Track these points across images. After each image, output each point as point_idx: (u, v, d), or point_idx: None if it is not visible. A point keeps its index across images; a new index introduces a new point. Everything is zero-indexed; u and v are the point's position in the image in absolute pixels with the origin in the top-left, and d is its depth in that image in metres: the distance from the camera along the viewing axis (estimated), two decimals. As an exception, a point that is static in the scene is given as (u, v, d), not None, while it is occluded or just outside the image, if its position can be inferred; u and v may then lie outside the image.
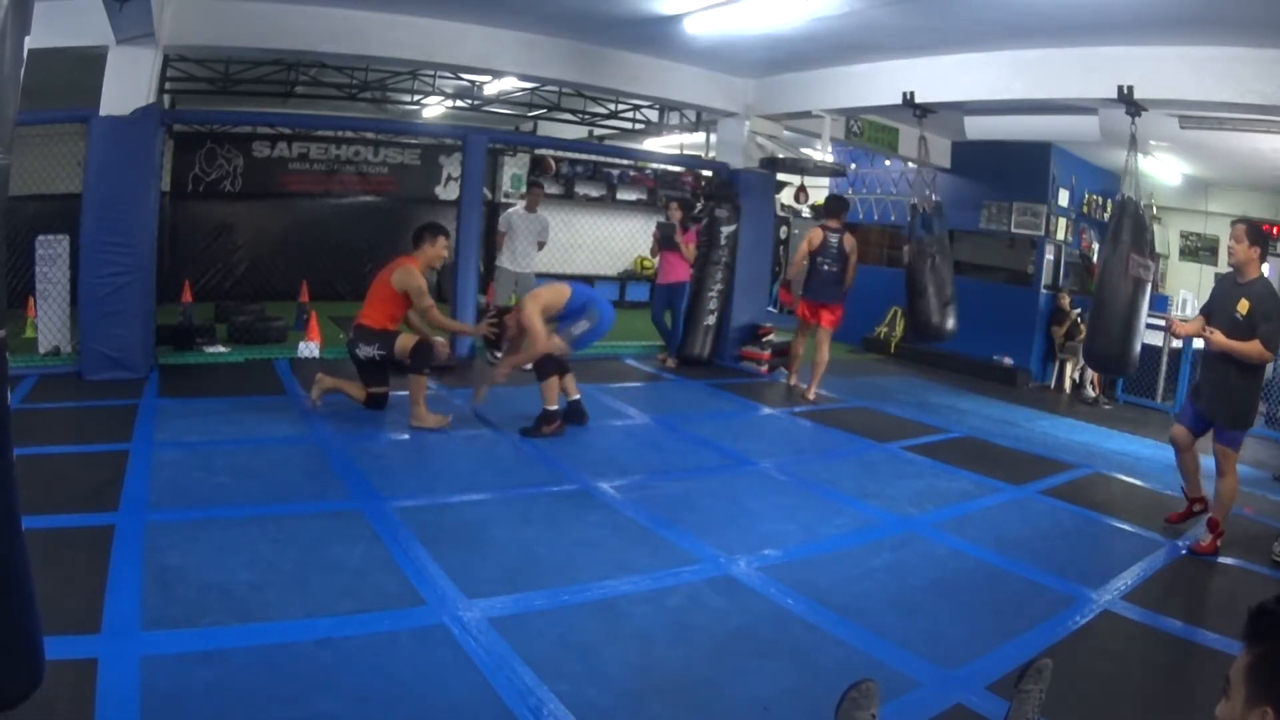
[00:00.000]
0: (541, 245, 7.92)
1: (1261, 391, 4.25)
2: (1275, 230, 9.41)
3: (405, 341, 4.95)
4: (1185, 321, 4.41)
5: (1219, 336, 3.89)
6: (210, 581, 2.83)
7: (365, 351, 5.01)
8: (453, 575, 3.02)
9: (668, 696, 2.41)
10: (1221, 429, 4.01)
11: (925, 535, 3.94)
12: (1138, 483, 5.27)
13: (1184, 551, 3.98)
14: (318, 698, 2.24)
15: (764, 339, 8.15)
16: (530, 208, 7.82)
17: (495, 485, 4.10)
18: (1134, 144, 5.36)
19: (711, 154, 9.90)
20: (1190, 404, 4.24)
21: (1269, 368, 8.15)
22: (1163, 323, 5.34)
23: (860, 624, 2.93)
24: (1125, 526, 4.34)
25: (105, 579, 2.76)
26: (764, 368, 7.93)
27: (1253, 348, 3.80)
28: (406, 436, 4.87)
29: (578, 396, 5.34)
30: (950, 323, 6.69)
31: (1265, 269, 4.08)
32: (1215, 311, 4.05)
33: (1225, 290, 4.05)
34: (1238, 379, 3.92)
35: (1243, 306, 3.86)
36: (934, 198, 6.87)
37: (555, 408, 5.11)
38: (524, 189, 11.59)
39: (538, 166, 11.90)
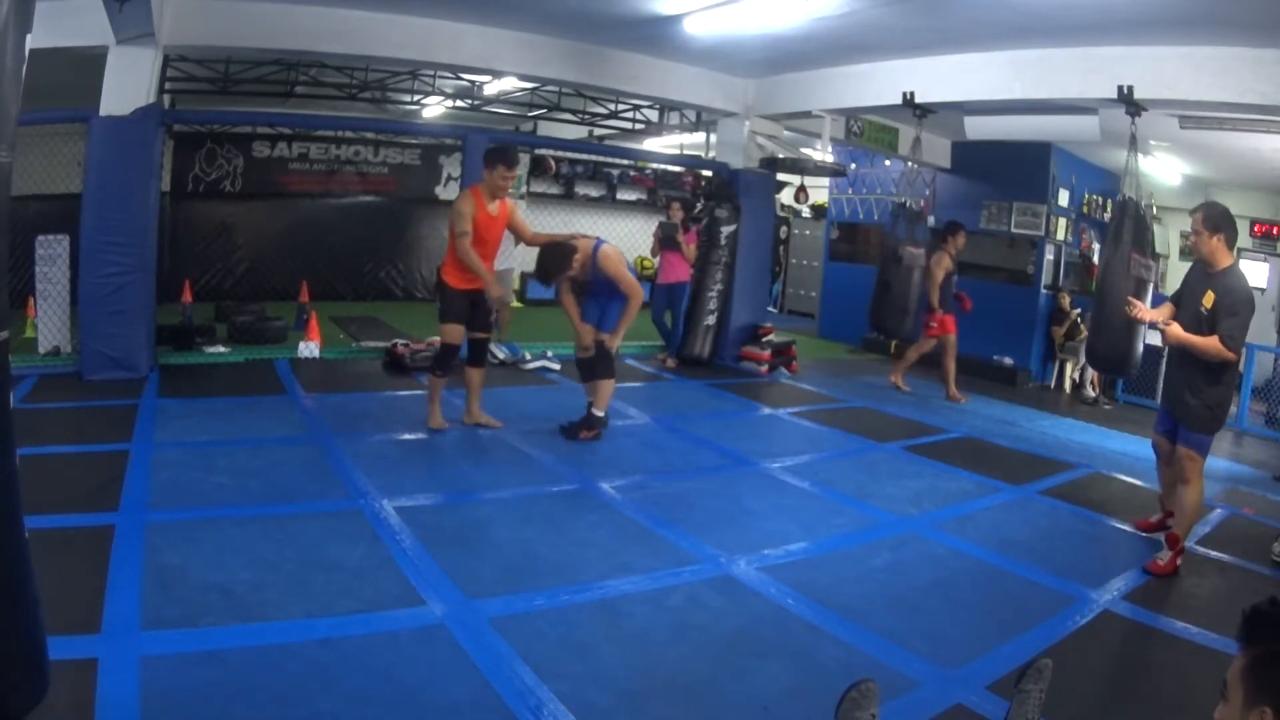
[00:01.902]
0: (517, 241, 7.90)
1: (1232, 394, 3.83)
2: (1276, 230, 9.44)
3: (444, 331, 4.84)
4: (1150, 310, 4.03)
5: (1175, 329, 3.58)
6: (210, 581, 2.83)
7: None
8: (453, 575, 3.02)
9: (668, 696, 2.41)
10: (1185, 429, 3.70)
11: (925, 535, 3.94)
12: (1138, 483, 5.26)
13: (1141, 571, 3.66)
14: (318, 698, 2.24)
15: (764, 339, 8.15)
16: None
17: (495, 485, 4.10)
18: (1134, 144, 5.36)
19: (711, 154, 9.91)
20: (1161, 408, 4.02)
21: (1269, 368, 8.18)
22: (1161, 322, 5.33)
23: (860, 624, 2.93)
24: (1125, 527, 4.33)
25: (105, 579, 2.76)
26: (764, 368, 7.93)
27: (1210, 344, 3.47)
28: (406, 436, 4.86)
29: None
30: (906, 327, 7.12)
31: (1266, 268, 4.01)
32: (1184, 301, 3.74)
33: (1194, 281, 3.72)
34: (1201, 377, 3.59)
35: (1208, 299, 3.53)
36: (919, 203, 6.90)
37: (604, 414, 5.06)
38: (524, 189, 11.67)
39: (538, 166, 11.92)
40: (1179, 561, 3.68)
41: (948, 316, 7.32)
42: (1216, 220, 3.57)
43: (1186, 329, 3.59)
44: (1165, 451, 3.95)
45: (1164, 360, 4.15)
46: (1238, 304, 3.49)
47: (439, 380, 4.92)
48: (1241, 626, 1.22)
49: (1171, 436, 3.85)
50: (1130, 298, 4.12)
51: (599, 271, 4.93)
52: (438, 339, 7.20)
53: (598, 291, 5.06)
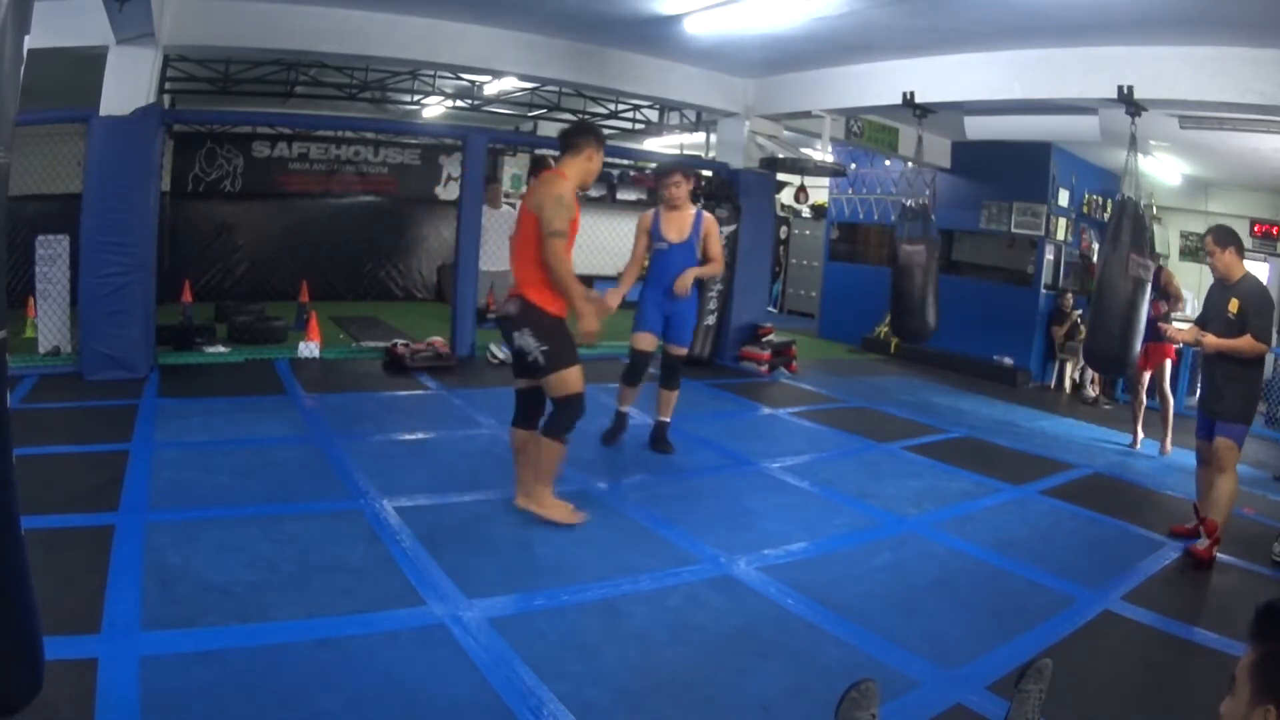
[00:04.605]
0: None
1: (1262, 386, 4.23)
2: (1275, 230, 9.44)
3: (569, 379, 3.48)
4: (1181, 329, 4.51)
5: (1210, 338, 3.97)
6: (210, 581, 2.83)
7: (521, 341, 3.48)
8: (453, 575, 3.02)
9: (668, 696, 2.41)
10: (1222, 422, 3.98)
11: (925, 535, 3.94)
12: (1138, 483, 5.27)
13: (1182, 554, 3.95)
14: (318, 698, 2.24)
15: (764, 339, 8.15)
16: (493, 205, 7.86)
17: (495, 485, 4.09)
18: (1134, 144, 5.36)
19: (711, 154, 9.90)
20: (1199, 414, 4.22)
21: (1269, 368, 8.21)
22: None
23: (860, 624, 2.93)
24: (1125, 526, 4.34)
25: (105, 579, 2.76)
26: (764, 368, 7.93)
27: (1244, 343, 3.87)
28: (406, 436, 4.86)
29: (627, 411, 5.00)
30: (932, 322, 6.81)
31: (1266, 269, 4.12)
32: (1210, 319, 4.10)
33: (1216, 297, 4.11)
34: (1233, 372, 3.95)
35: (1233, 306, 3.94)
36: (923, 201, 6.88)
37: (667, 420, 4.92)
38: (523, 189, 11.67)
39: (538, 166, 11.91)
40: (1215, 550, 3.85)
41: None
42: (1224, 236, 4.03)
43: (1218, 337, 3.94)
44: (1208, 456, 4.10)
45: (1199, 372, 4.33)
46: (1261, 304, 3.90)
47: (559, 447, 3.52)
48: (1252, 623, 1.21)
49: (1210, 437, 4.04)
50: (1163, 325, 4.56)
51: (697, 233, 4.66)
52: (438, 339, 7.21)
53: (670, 277, 4.60)
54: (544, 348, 3.44)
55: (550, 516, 3.57)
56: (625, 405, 4.95)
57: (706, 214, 4.79)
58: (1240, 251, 4.03)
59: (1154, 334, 5.56)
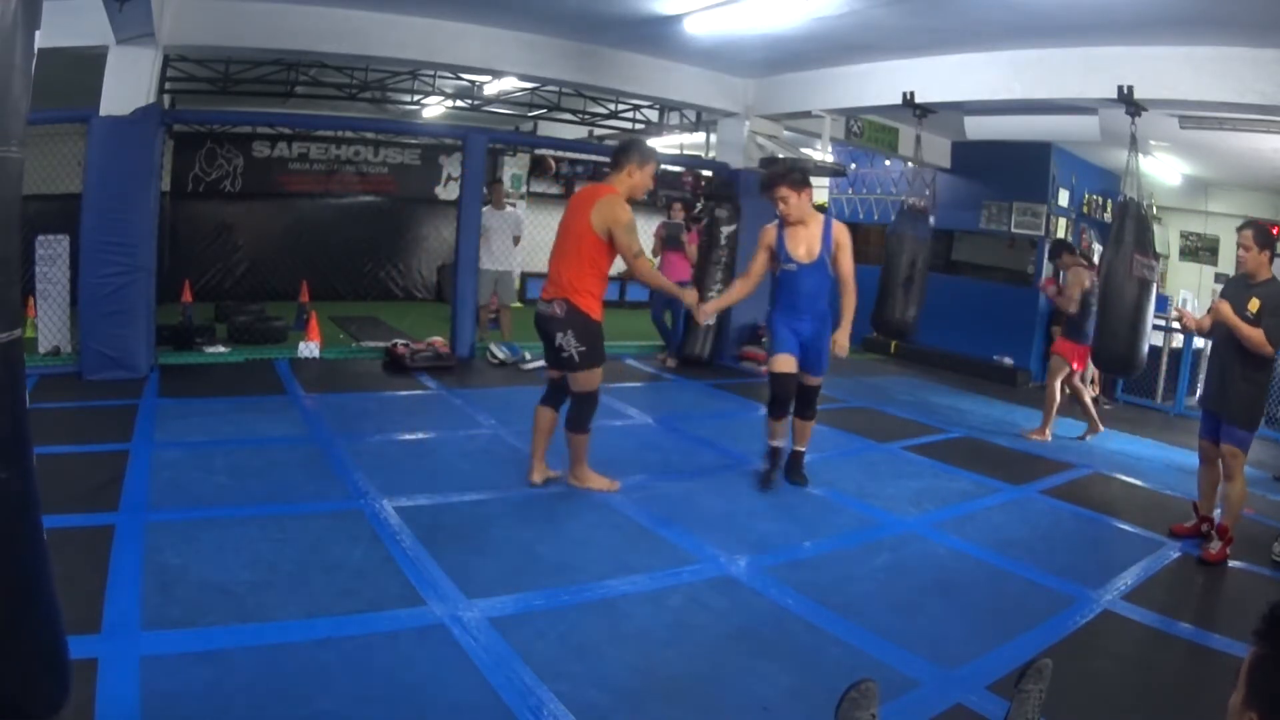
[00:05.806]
0: (517, 240, 8.06)
1: (1267, 391, 4.18)
2: (1276, 230, 9.44)
3: (593, 378, 3.97)
4: (1194, 315, 4.40)
5: (1225, 306, 3.88)
6: (210, 581, 2.83)
7: (562, 340, 3.88)
8: (453, 575, 3.02)
9: (668, 696, 2.41)
10: (1229, 427, 3.96)
11: (925, 535, 3.94)
12: (1137, 483, 5.26)
13: (1195, 557, 3.93)
14: (318, 698, 2.24)
15: (764, 339, 8.14)
16: (497, 205, 7.92)
17: (495, 485, 4.10)
18: (1134, 144, 5.36)
19: (711, 154, 9.90)
20: (1203, 412, 4.20)
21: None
22: (1164, 323, 5.36)
23: (860, 624, 2.93)
24: (1125, 526, 4.34)
25: (105, 579, 2.76)
26: (764, 368, 7.90)
27: (1255, 333, 3.82)
28: (406, 436, 4.86)
29: (791, 446, 4.53)
30: (912, 322, 6.66)
31: None
32: None
33: (1236, 290, 4.04)
34: (1242, 373, 3.91)
35: (1253, 305, 3.89)
36: (922, 201, 6.87)
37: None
38: (523, 188, 11.69)
39: (538, 166, 11.92)
40: (1228, 550, 3.90)
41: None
42: (1265, 239, 3.99)
43: (1230, 334, 3.88)
44: (1210, 455, 4.11)
45: (1207, 366, 4.26)
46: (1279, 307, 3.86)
47: (583, 437, 4.00)
48: (1260, 622, 1.21)
49: (1215, 438, 4.04)
50: (1177, 308, 4.46)
51: (828, 248, 4.14)
52: (438, 339, 7.23)
53: (803, 301, 4.23)
54: (581, 348, 3.88)
55: (592, 486, 4.10)
56: (779, 440, 4.41)
57: (837, 223, 4.21)
58: (1273, 257, 3.99)
59: (1070, 331, 6.17)
